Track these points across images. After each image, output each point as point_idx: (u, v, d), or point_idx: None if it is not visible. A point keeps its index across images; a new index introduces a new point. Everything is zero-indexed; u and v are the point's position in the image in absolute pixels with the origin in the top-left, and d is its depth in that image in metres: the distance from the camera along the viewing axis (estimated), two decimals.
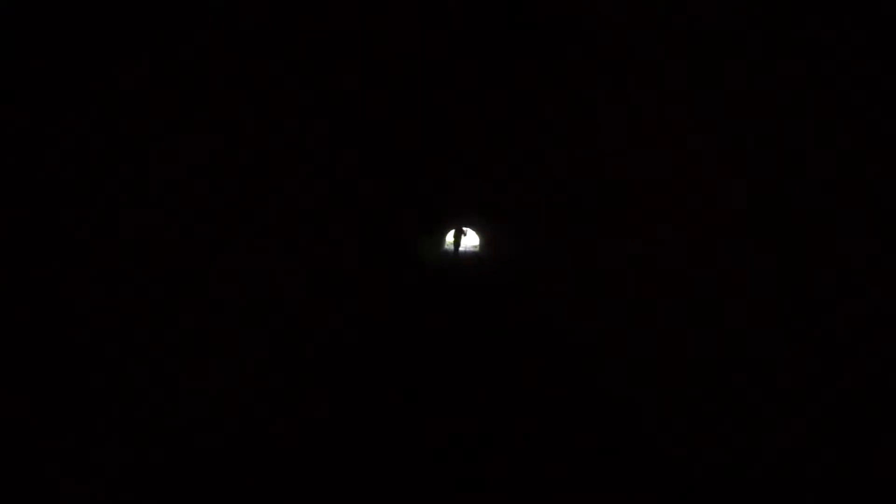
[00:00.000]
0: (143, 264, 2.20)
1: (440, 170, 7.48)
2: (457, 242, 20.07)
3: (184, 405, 2.55)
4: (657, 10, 2.36)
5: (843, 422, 1.61)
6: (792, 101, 1.84)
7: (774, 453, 1.92)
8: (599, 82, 3.30)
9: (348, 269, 5.29)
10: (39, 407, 1.70)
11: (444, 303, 7.58)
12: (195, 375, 2.63)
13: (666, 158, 2.88)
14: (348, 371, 3.85)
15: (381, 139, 5.15)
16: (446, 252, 21.80)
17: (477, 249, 25.23)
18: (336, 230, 4.83)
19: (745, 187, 2.16)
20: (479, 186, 9.53)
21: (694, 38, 2.36)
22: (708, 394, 2.42)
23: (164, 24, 2.17)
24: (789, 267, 1.88)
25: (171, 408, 2.42)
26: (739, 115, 2.18)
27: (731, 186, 2.27)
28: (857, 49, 1.54)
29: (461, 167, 7.47)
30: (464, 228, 20.12)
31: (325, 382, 3.57)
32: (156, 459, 2.22)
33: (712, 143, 2.42)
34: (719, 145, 2.36)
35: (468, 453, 2.60)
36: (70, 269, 1.83)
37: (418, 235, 10.91)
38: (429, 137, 5.68)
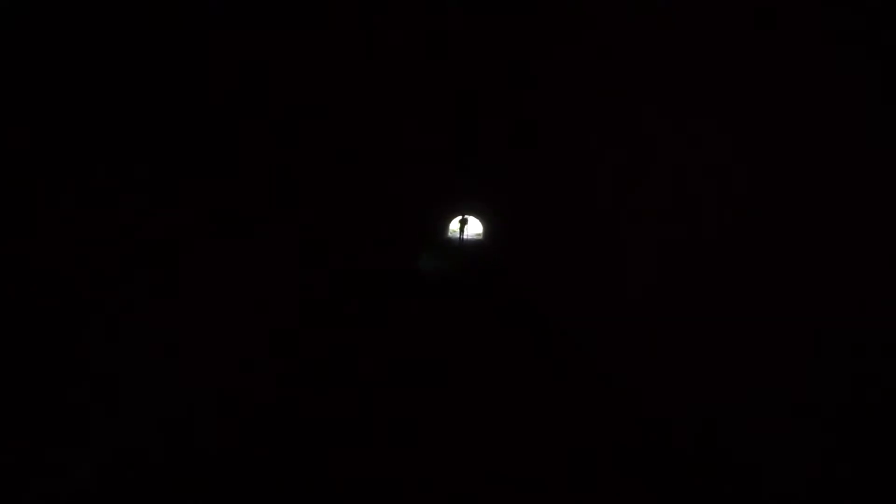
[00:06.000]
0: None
1: (441, 162, 7.42)
2: (461, 230, 20.13)
3: (178, 401, 2.61)
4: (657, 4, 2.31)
5: (845, 420, 1.62)
6: (799, 95, 1.81)
7: (775, 454, 1.94)
8: (600, 75, 3.25)
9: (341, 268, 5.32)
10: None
11: (445, 295, 7.60)
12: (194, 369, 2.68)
13: (666, 149, 2.85)
14: (346, 364, 3.89)
15: (376, 134, 5.13)
16: (450, 240, 21.83)
17: (480, 237, 25.19)
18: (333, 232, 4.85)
19: (745, 181, 2.14)
20: (482, 176, 9.47)
21: (695, 32, 2.31)
22: (708, 390, 2.43)
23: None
24: (791, 264, 1.87)
25: (161, 407, 2.48)
26: (740, 108, 2.15)
27: (731, 180, 2.25)
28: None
29: (463, 158, 7.41)
30: (466, 217, 20.09)
31: (321, 378, 3.62)
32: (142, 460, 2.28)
33: (713, 131, 2.38)
34: (720, 134, 2.33)
35: (463, 450, 2.64)
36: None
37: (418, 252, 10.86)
38: (428, 130, 5.64)
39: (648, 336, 3.13)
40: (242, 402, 2.96)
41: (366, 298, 6.30)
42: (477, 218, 20.68)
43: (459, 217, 19.71)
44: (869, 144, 1.49)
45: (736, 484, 2.14)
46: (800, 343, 1.79)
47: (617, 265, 3.71)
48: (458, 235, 20.04)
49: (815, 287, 1.72)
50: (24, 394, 1.68)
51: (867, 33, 1.47)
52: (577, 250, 4.88)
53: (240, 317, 3.16)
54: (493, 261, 12.65)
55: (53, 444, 1.82)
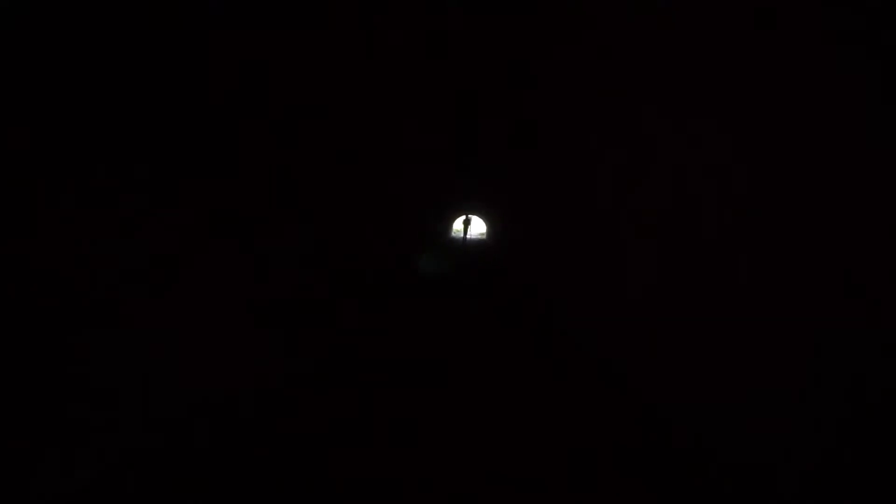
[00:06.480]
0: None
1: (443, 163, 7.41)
2: (464, 230, 20.17)
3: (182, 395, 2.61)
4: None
5: (845, 420, 1.61)
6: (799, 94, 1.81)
7: (775, 454, 1.93)
8: (600, 75, 3.25)
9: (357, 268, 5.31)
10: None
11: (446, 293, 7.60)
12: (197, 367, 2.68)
13: (666, 149, 2.85)
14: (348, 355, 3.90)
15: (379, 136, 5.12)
16: (454, 239, 21.83)
17: (484, 237, 25.19)
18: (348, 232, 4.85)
19: (745, 181, 2.14)
20: (482, 176, 9.47)
21: (695, 33, 2.31)
22: (708, 390, 2.43)
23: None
24: (791, 264, 1.86)
25: (165, 401, 2.48)
26: (740, 108, 2.14)
27: (731, 180, 2.25)
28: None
29: (465, 158, 7.40)
30: (469, 216, 20.12)
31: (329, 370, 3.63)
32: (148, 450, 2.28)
33: (713, 131, 2.38)
34: (720, 134, 2.32)
35: (463, 450, 2.64)
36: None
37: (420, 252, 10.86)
38: (430, 131, 5.64)
39: (648, 336, 3.13)
40: (242, 402, 2.96)
41: (366, 298, 6.30)
42: (480, 218, 20.68)
43: (463, 217, 19.73)
44: (869, 144, 1.49)
45: (736, 484, 2.14)
46: (800, 343, 1.78)
47: (617, 265, 3.71)
48: (461, 235, 20.07)
49: (815, 287, 1.71)
50: (24, 393, 1.68)
51: (867, 33, 1.47)
52: (578, 250, 4.88)
53: (240, 317, 3.16)
54: (496, 260, 12.65)
55: (53, 444, 1.82)
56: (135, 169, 2.14)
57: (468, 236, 23.05)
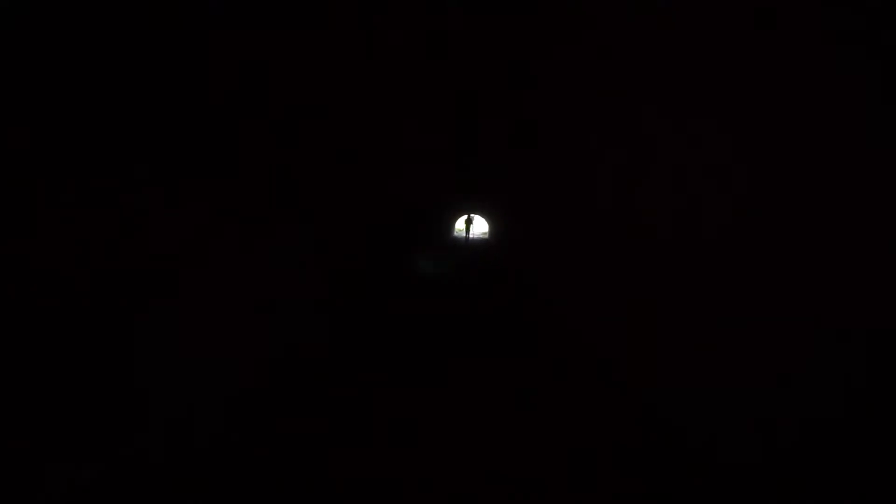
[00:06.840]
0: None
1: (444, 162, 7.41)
2: (467, 229, 20.21)
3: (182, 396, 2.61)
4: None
5: (845, 420, 1.61)
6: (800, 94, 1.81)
7: (775, 454, 1.93)
8: (600, 75, 3.24)
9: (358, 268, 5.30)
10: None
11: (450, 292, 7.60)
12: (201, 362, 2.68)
13: (666, 149, 2.85)
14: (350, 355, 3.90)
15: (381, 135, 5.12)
16: (457, 238, 21.85)
17: (486, 236, 25.20)
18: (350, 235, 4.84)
19: (745, 181, 2.14)
20: (482, 176, 9.46)
21: (695, 32, 2.31)
22: (708, 390, 2.43)
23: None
24: (791, 264, 1.86)
25: (168, 402, 2.48)
26: (740, 108, 2.14)
27: (731, 180, 2.25)
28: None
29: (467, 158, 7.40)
30: (472, 216, 20.14)
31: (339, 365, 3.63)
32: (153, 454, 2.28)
33: (713, 131, 2.38)
34: (720, 134, 2.32)
35: (463, 450, 2.64)
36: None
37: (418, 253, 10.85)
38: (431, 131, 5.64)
39: (648, 336, 3.13)
40: (242, 402, 2.96)
41: (366, 298, 6.30)
42: (482, 217, 20.68)
43: (465, 216, 19.74)
44: (869, 144, 1.49)
45: (736, 484, 2.14)
46: (800, 343, 1.78)
47: (617, 265, 3.71)
48: (464, 235, 20.07)
49: (816, 287, 1.71)
50: (24, 393, 1.68)
51: (867, 33, 1.47)
52: (578, 250, 4.88)
53: (240, 317, 3.16)
54: (497, 260, 12.65)
55: (54, 444, 1.82)
56: (135, 169, 2.14)
57: (471, 236, 23.08)
